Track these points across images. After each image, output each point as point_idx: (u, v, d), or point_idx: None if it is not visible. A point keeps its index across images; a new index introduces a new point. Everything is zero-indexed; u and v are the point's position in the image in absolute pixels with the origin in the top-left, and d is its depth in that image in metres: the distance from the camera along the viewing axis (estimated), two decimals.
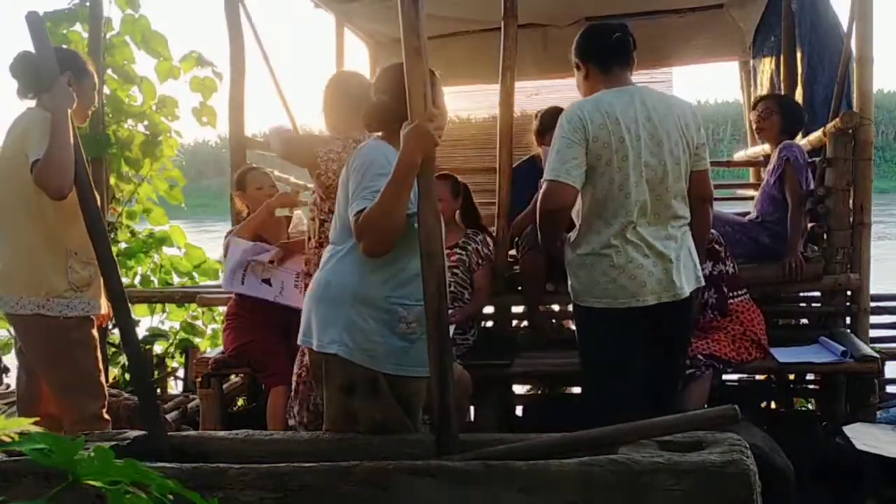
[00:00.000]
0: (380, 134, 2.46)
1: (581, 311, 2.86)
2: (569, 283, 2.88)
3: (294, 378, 3.21)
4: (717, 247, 3.66)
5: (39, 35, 2.47)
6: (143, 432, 2.39)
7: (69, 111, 2.70)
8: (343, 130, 3.13)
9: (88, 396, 2.99)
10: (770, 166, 4.23)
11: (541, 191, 2.77)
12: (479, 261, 4.00)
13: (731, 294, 3.68)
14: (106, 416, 3.06)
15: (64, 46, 3.18)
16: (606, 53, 2.81)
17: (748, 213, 4.43)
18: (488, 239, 4.13)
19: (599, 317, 2.78)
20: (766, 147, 4.76)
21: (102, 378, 3.09)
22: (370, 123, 2.50)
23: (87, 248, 2.54)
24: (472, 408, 3.96)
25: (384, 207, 2.17)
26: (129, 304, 5.32)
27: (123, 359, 4.93)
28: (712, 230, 3.69)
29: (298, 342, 2.52)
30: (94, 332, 3.07)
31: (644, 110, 2.75)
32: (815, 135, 4.24)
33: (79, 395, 2.98)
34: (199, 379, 4.00)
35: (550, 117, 4.07)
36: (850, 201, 4.03)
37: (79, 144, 2.63)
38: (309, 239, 3.29)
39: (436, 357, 2.13)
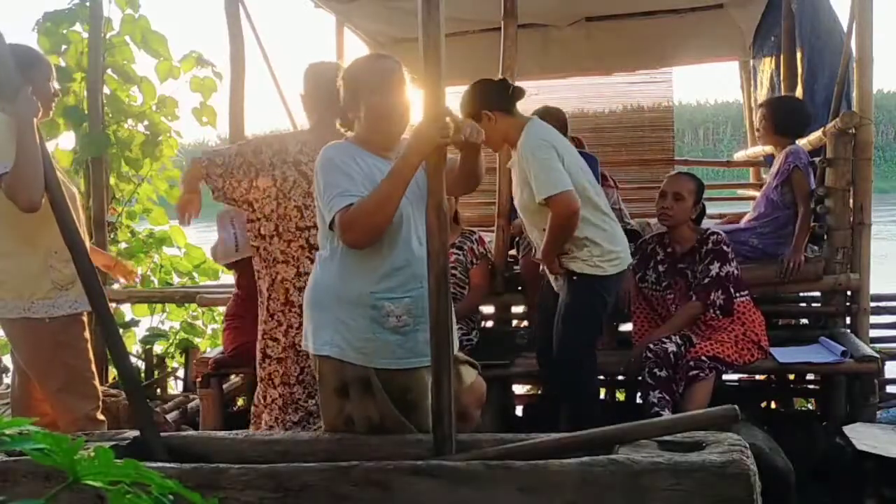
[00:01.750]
0: (351, 134, 2.47)
1: (595, 280, 3.31)
2: (576, 264, 3.30)
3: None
4: (724, 247, 3.67)
5: None
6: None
7: (35, 121, 2.63)
8: (324, 124, 3.11)
9: (80, 398, 2.97)
10: (774, 169, 4.22)
11: (555, 202, 3.14)
12: (475, 259, 4.04)
13: (735, 295, 3.68)
14: (100, 417, 3.04)
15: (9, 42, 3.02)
16: (509, 100, 3.36)
17: (745, 214, 4.45)
18: (483, 238, 4.15)
19: (610, 281, 3.33)
20: (768, 147, 4.77)
21: (95, 379, 3.07)
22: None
23: None
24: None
25: (377, 202, 2.18)
26: (130, 304, 5.37)
27: None
28: (721, 232, 3.73)
29: (302, 347, 2.52)
30: (85, 332, 3.04)
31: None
32: (815, 135, 4.24)
33: (70, 397, 2.96)
34: (199, 379, 4.00)
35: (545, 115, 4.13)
36: (850, 201, 4.03)
37: (46, 151, 2.59)
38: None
39: (435, 356, 2.13)
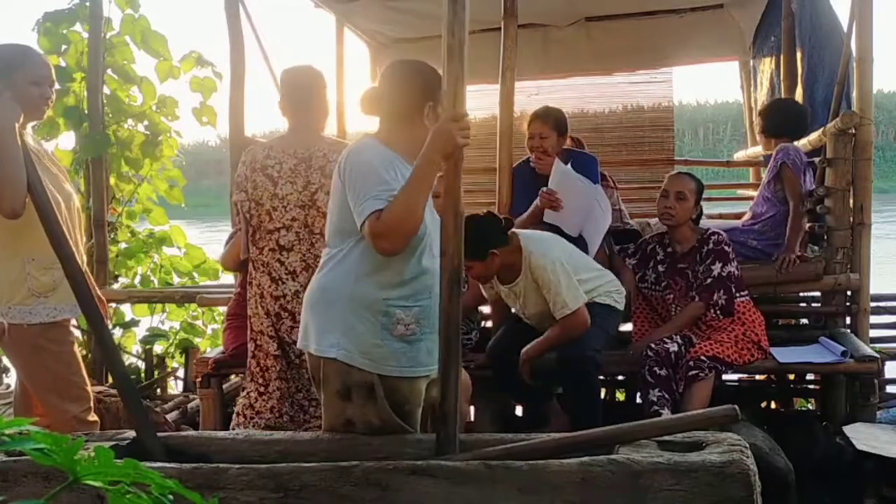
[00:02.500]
0: (372, 132, 2.45)
1: (611, 308, 3.63)
2: (599, 297, 3.58)
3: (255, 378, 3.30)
4: (725, 248, 3.68)
5: None
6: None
7: (16, 126, 2.59)
8: (300, 128, 3.17)
9: (66, 400, 2.93)
10: (769, 167, 4.24)
11: (577, 315, 3.39)
12: None
13: (735, 295, 3.68)
14: (91, 419, 3.00)
15: None
16: (505, 232, 3.47)
17: (744, 214, 4.45)
18: None
19: (619, 316, 3.70)
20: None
21: (84, 381, 3.02)
22: (369, 109, 2.46)
23: (47, 252, 2.46)
24: (472, 408, 3.96)
25: (406, 206, 2.15)
26: (130, 304, 5.36)
27: (124, 359, 4.91)
28: (721, 232, 3.74)
29: (298, 346, 2.51)
30: (70, 336, 2.99)
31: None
32: (815, 135, 4.24)
33: (58, 399, 2.93)
34: (199, 379, 3.99)
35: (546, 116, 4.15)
36: (850, 201, 4.03)
37: (29, 157, 2.56)
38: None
39: (444, 358, 2.12)
